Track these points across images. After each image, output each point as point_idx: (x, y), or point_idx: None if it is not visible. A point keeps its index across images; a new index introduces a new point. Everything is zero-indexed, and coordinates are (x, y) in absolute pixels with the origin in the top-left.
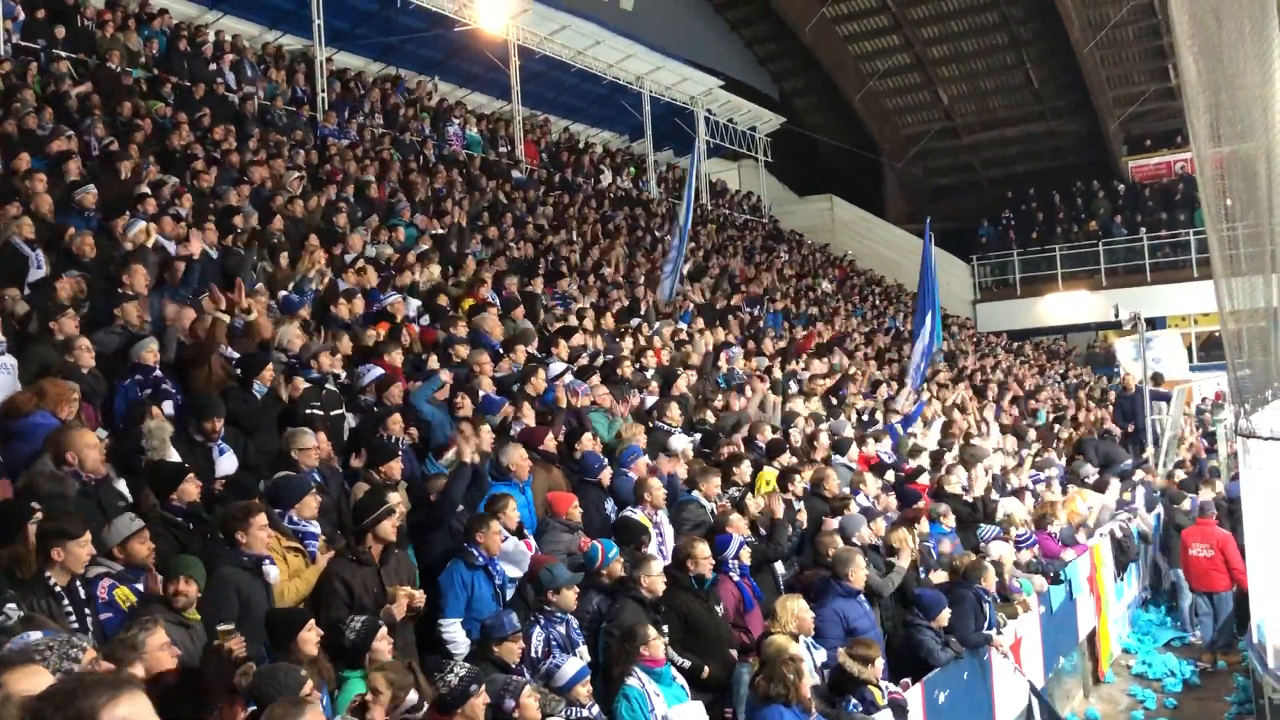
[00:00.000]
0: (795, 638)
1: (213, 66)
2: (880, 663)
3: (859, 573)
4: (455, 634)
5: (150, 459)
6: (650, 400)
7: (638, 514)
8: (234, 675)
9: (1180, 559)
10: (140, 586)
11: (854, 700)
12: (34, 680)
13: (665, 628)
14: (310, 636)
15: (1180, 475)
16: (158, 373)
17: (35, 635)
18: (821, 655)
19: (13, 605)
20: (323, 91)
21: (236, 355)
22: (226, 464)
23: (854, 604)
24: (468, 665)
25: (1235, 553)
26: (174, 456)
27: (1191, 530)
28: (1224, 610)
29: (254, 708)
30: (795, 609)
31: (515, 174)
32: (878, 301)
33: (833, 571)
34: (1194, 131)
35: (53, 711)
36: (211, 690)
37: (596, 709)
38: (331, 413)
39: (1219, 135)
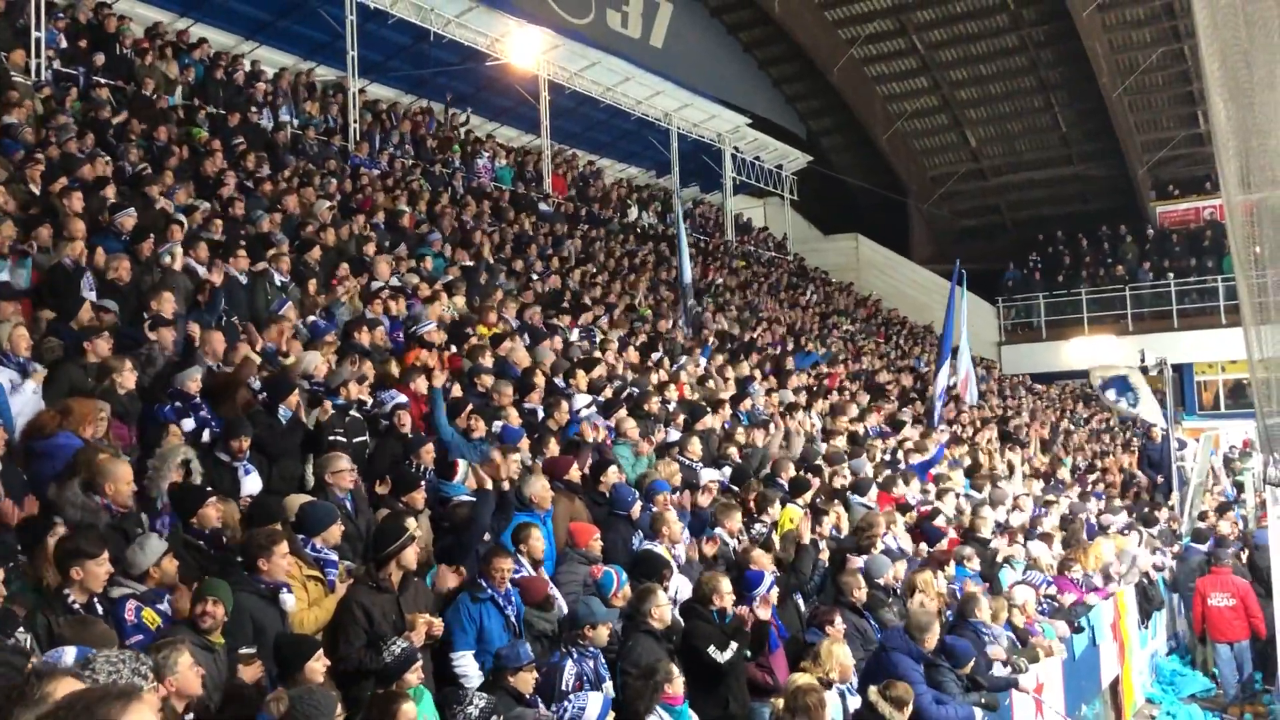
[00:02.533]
0: (829, 684)
1: (249, 92)
2: (909, 710)
3: (931, 639)
4: (467, 667)
5: (150, 478)
6: (675, 435)
7: (659, 547)
8: (258, 706)
9: (1193, 608)
10: (164, 608)
11: None
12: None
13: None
14: (317, 666)
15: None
16: (196, 400)
17: (70, 652)
18: (856, 701)
19: (22, 630)
20: (355, 122)
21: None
22: (251, 484)
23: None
24: (486, 696)
25: (1255, 601)
26: (170, 477)
27: (1208, 579)
28: (1245, 661)
29: None
30: (840, 655)
31: (543, 206)
32: (902, 342)
33: (908, 633)
34: (1224, 178)
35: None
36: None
37: None
38: (355, 439)
39: (1249, 182)
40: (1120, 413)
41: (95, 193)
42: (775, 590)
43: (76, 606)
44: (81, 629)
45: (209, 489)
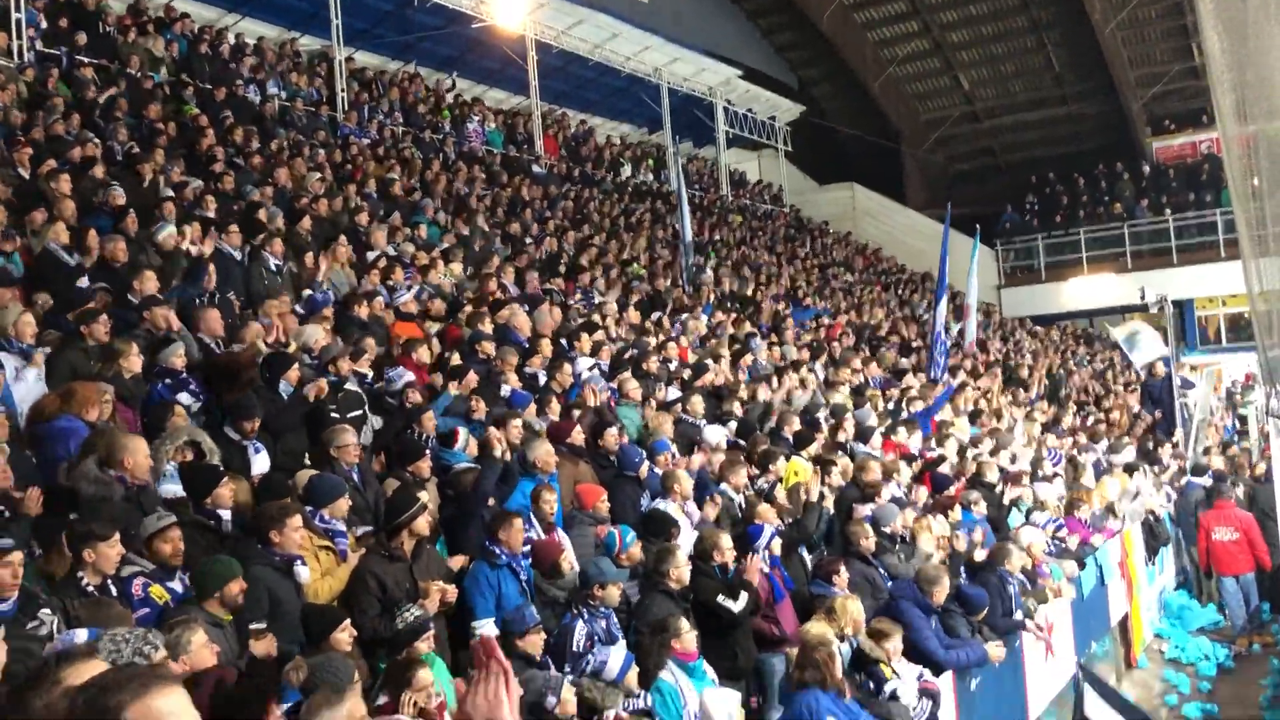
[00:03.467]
0: (844, 637)
1: (232, 66)
2: (896, 644)
3: (942, 593)
4: (489, 634)
5: (154, 458)
6: (674, 394)
7: (667, 506)
8: (278, 677)
9: (1198, 542)
10: (174, 585)
11: (866, 677)
12: (91, 673)
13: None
14: (344, 637)
15: (1213, 460)
16: (184, 375)
17: (83, 633)
18: None
19: (46, 611)
20: (342, 91)
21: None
22: (261, 462)
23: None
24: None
25: (1259, 534)
26: (175, 459)
27: (1211, 514)
28: (1251, 592)
29: (288, 704)
30: (854, 610)
31: (535, 169)
32: (901, 290)
33: (919, 585)
34: (1219, 111)
35: (83, 706)
36: (259, 694)
37: (647, 696)
38: (349, 414)
39: (1245, 114)
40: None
41: (84, 174)
42: (777, 542)
43: (90, 589)
44: (97, 610)
45: (222, 469)
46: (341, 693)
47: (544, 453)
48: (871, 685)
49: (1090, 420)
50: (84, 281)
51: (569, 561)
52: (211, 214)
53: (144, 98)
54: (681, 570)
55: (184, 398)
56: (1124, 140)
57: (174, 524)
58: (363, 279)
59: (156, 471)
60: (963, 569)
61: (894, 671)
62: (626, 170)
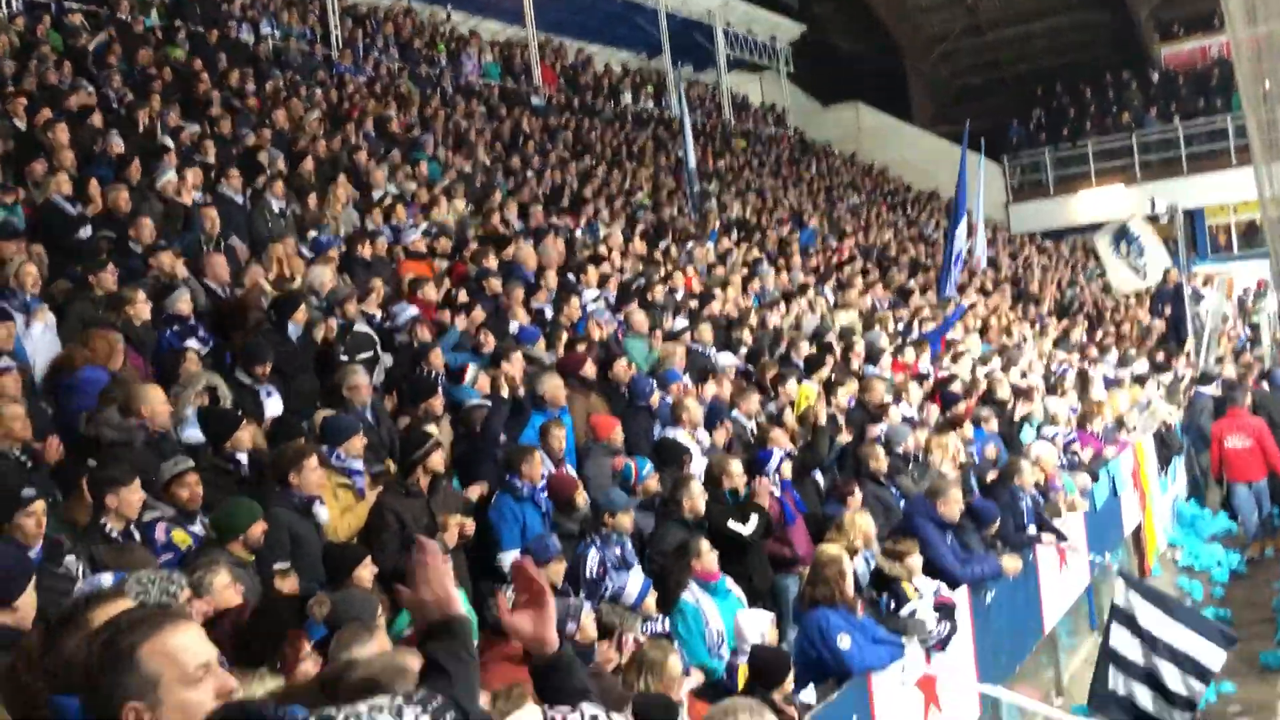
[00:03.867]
0: (855, 551)
1: (224, 6)
2: (916, 561)
3: (954, 506)
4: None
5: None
6: (682, 323)
7: (677, 434)
8: (301, 612)
9: (1211, 450)
10: (195, 529)
11: (888, 596)
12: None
13: None
14: (365, 574)
15: (1226, 368)
16: (192, 321)
17: (108, 577)
18: None
19: (71, 558)
20: (336, 29)
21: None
22: (274, 406)
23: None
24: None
25: (1272, 441)
26: (195, 404)
27: (1223, 422)
28: (1264, 499)
29: (319, 636)
30: (862, 523)
31: (534, 100)
32: (909, 210)
33: (929, 499)
34: (1229, 13)
35: (98, 649)
36: (281, 628)
37: (665, 619)
38: (359, 356)
39: (1256, 16)
40: (1118, 283)
41: (81, 123)
42: (787, 465)
43: (114, 535)
44: (121, 555)
45: (240, 414)
46: (370, 629)
47: (553, 387)
48: (893, 604)
49: (1100, 333)
50: (87, 231)
51: (583, 496)
52: (211, 159)
53: (135, 42)
54: (695, 500)
55: (192, 344)
56: (1132, 48)
57: (190, 469)
58: (365, 219)
59: (178, 417)
60: (975, 486)
61: (915, 590)
62: (626, 98)
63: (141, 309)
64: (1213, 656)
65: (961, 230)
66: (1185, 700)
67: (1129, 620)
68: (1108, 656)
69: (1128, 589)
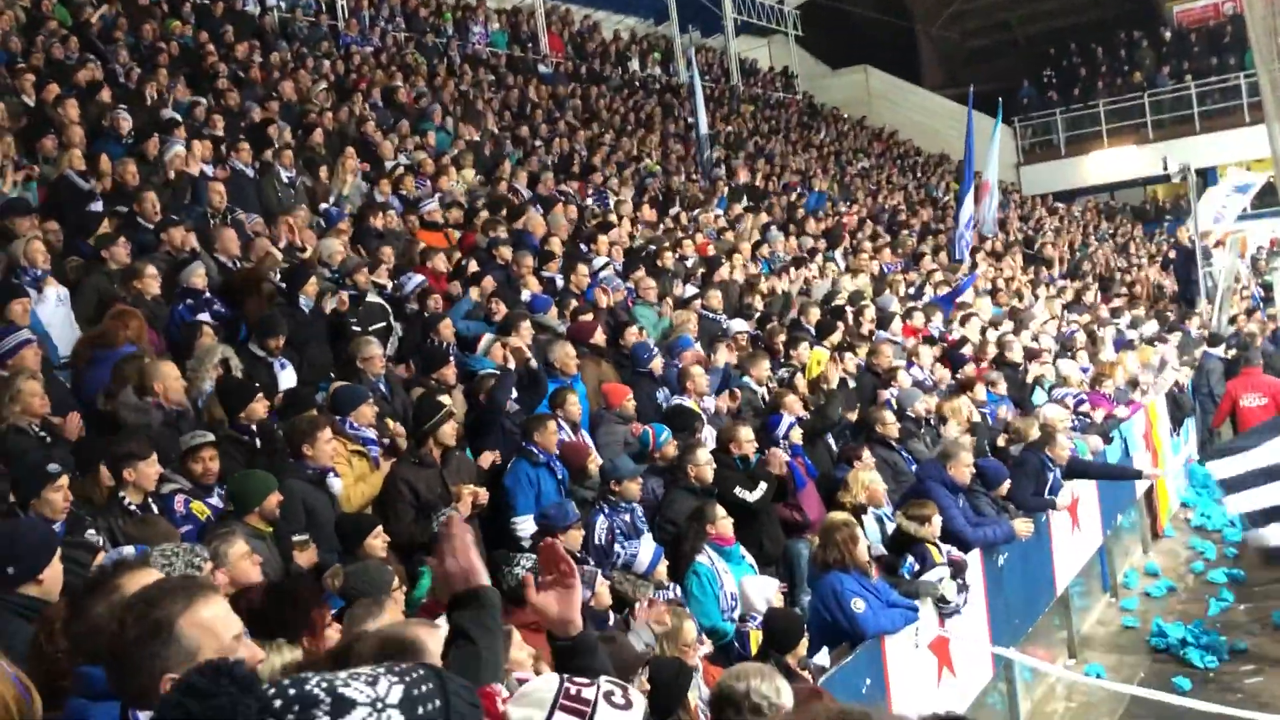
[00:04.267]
0: (864, 509)
1: None
2: (937, 522)
3: (963, 470)
4: (528, 529)
5: (189, 379)
6: (692, 290)
7: (684, 402)
8: (320, 587)
9: (1220, 409)
10: (214, 500)
11: (911, 558)
12: (146, 582)
13: None
14: (377, 543)
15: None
16: (207, 295)
17: (129, 550)
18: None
19: (92, 531)
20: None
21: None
22: (287, 378)
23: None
24: (533, 557)
25: None
26: (210, 376)
27: (1238, 381)
28: None
29: (336, 608)
30: (866, 480)
31: (542, 68)
32: (919, 173)
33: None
34: None
35: (133, 621)
36: (306, 604)
37: (677, 588)
38: (371, 326)
39: None
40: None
41: (91, 98)
42: (797, 430)
43: (133, 508)
44: (144, 528)
45: (257, 385)
46: (381, 602)
47: (563, 354)
48: (917, 567)
49: (1112, 295)
50: (98, 206)
51: (596, 463)
52: (220, 132)
53: (141, 16)
54: (702, 467)
55: (205, 317)
56: (1143, 6)
57: (206, 443)
58: (374, 189)
59: (197, 391)
60: (986, 448)
61: (940, 552)
62: (634, 64)
63: (150, 283)
64: None
65: (970, 194)
66: None
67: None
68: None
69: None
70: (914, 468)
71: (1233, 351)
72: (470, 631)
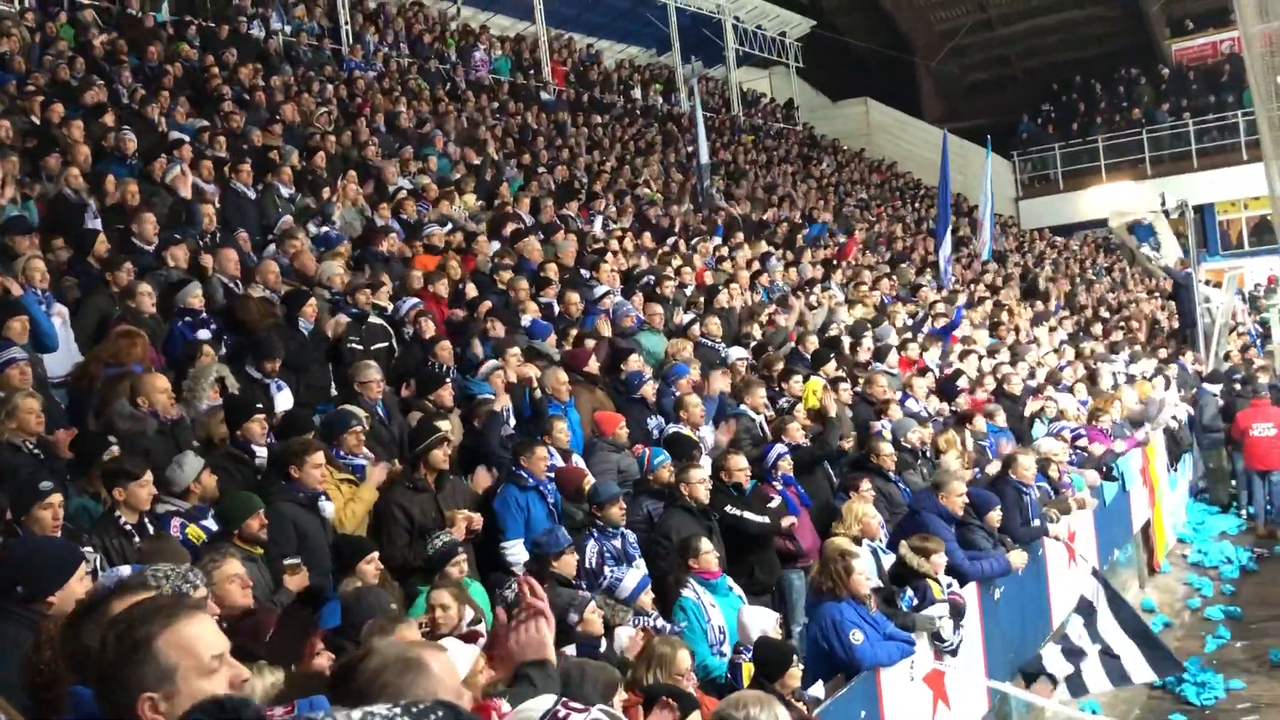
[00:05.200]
0: (859, 541)
1: (234, 1)
2: (941, 559)
3: (955, 499)
4: (518, 554)
5: (185, 398)
6: (689, 317)
7: (683, 430)
8: (313, 619)
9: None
10: (208, 523)
11: (911, 592)
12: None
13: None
14: (369, 568)
15: (1228, 364)
16: (204, 315)
17: (125, 570)
18: (890, 559)
19: (89, 549)
20: (346, 24)
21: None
22: (284, 400)
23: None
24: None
25: None
26: (211, 397)
27: (1248, 412)
28: (1276, 490)
29: (331, 626)
30: (860, 512)
31: (544, 96)
32: (918, 205)
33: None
34: (1240, 8)
35: (114, 639)
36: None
37: (660, 619)
38: (373, 347)
39: (1266, 11)
40: (1145, 261)
41: (95, 119)
42: (787, 460)
43: (128, 527)
44: (156, 550)
45: (258, 404)
46: (393, 622)
47: (555, 381)
48: (916, 601)
49: (1110, 330)
50: (96, 223)
51: (590, 486)
52: (223, 153)
53: (146, 38)
54: (695, 487)
55: (203, 335)
56: (1142, 43)
57: (204, 468)
58: (375, 214)
59: (194, 406)
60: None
61: (942, 589)
62: (637, 93)
63: (144, 300)
64: (1140, 670)
65: (949, 225)
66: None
67: (1089, 611)
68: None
69: (1098, 586)
70: (909, 498)
71: (1234, 386)
72: (533, 681)
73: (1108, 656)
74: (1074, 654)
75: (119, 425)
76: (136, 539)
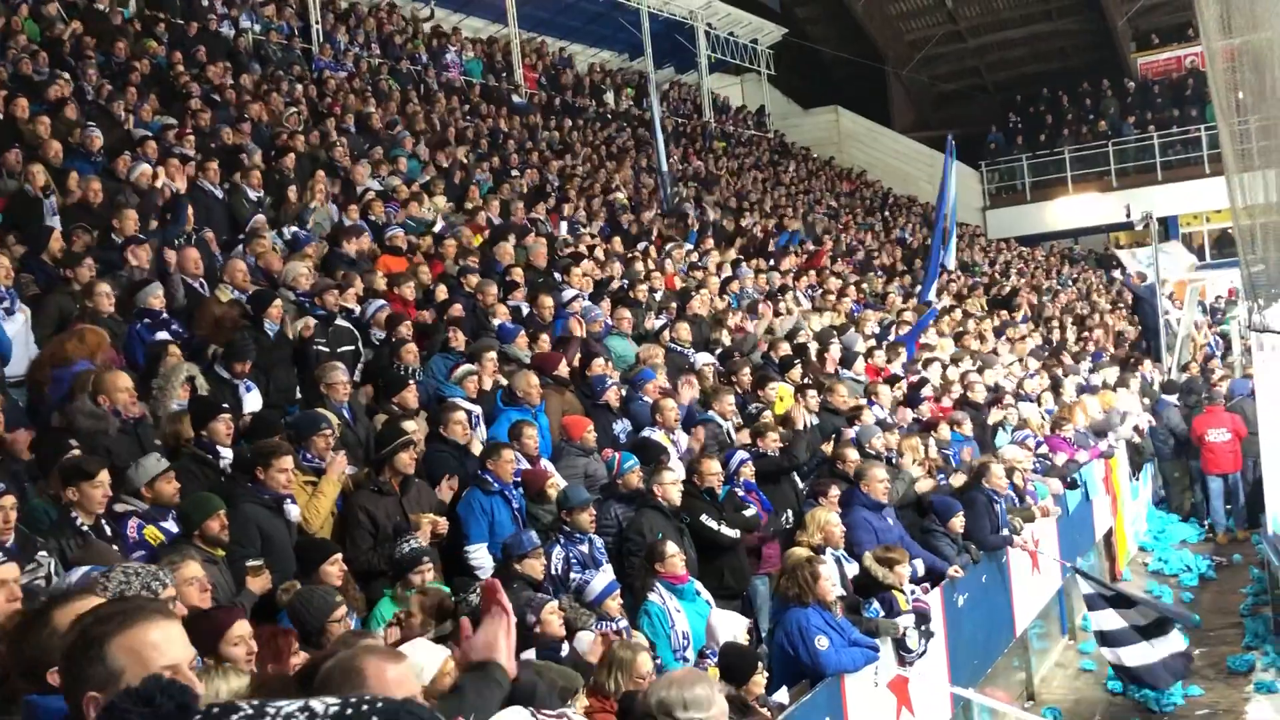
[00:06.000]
0: (821, 549)
1: (205, 2)
2: (906, 570)
3: (877, 485)
4: (481, 558)
5: (155, 397)
6: (660, 323)
7: (655, 435)
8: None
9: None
10: (168, 525)
11: (877, 604)
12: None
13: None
14: (333, 569)
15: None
16: (164, 316)
17: (77, 573)
18: (853, 568)
19: (44, 553)
20: (316, 24)
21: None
22: (252, 401)
23: (878, 517)
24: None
25: (1247, 431)
26: (180, 396)
27: (1203, 418)
28: (1238, 491)
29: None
30: (822, 520)
31: (515, 99)
32: (887, 214)
33: (854, 483)
34: (1204, 24)
35: (73, 639)
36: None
37: (625, 621)
38: (339, 349)
39: (1229, 27)
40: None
41: (58, 114)
42: (749, 467)
43: (85, 528)
44: (86, 551)
45: (224, 405)
46: (361, 637)
47: (526, 384)
48: (883, 613)
49: (1075, 340)
50: (55, 221)
51: (555, 486)
52: (191, 151)
53: (113, 34)
54: (667, 488)
55: (163, 336)
56: (1109, 57)
57: (168, 469)
58: (343, 215)
59: (163, 408)
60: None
61: (909, 603)
62: (609, 98)
63: (102, 300)
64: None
65: (940, 235)
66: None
67: (1097, 600)
68: (1101, 639)
69: (1085, 580)
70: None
71: (1191, 397)
72: (464, 689)
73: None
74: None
75: (80, 423)
76: (93, 539)
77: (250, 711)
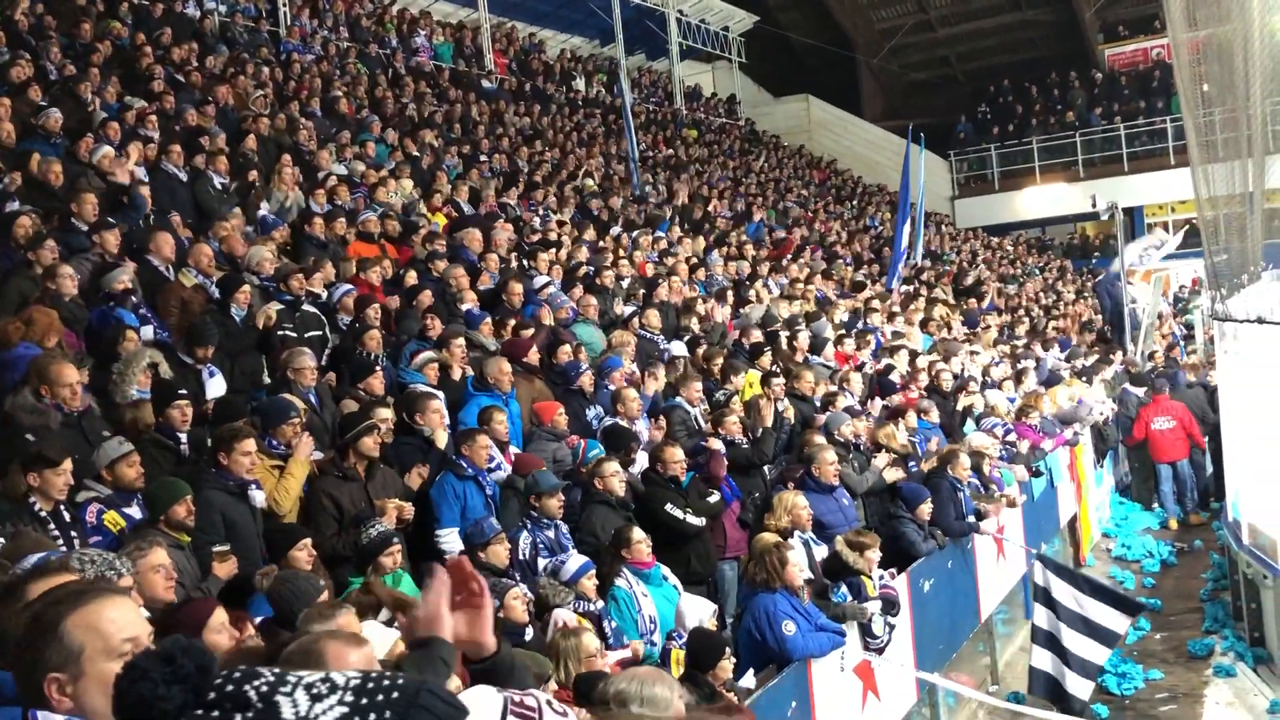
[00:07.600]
0: (789, 533)
1: None
2: (875, 554)
3: (826, 468)
4: (453, 543)
5: (115, 382)
6: (630, 309)
7: (617, 424)
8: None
9: (1136, 433)
10: (131, 511)
11: (845, 589)
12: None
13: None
14: (301, 555)
15: (1152, 364)
16: (133, 300)
17: (30, 559)
18: (823, 551)
19: (1, 540)
20: (284, 6)
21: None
22: (216, 386)
23: (827, 499)
24: None
25: (1192, 420)
26: (141, 383)
27: (1149, 407)
28: (1188, 477)
29: (262, 618)
30: (790, 503)
31: (485, 84)
32: (856, 202)
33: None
34: (1170, 16)
35: (28, 620)
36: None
37: (601, 603)
38: (306, 334)
39: (1195, 19)
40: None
41: (20, 95)
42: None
43: (43, 514)
44: (16, 541)
45: (183, 390)
46: (333, 609)
47: (497, 370)
48: (850, 597)
49: (1041, 328)
50: (14, 204)
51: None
52: (154, 134)
53: (76, 14)
54: (609, 480)
55: (128, 319)
56: (1078, 48)
57: (131, 451)
58: (309, 199)
59: (123, 394)
60: (916, 472)
61: (876, 588)
62: (579, 84)
63: (65, 283)
64: (1118, 623)
65: (907, 226)
66: (1085, 666)
67: (1045, 596)
68: (1033, 635)
69: (1044, 569)
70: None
71: (1155, 384)
72: (405, 667)
73: (1083, 623)
74: (1054, 644)
75: (21, 418)
76: (51, 525)
77: (272, 679)
